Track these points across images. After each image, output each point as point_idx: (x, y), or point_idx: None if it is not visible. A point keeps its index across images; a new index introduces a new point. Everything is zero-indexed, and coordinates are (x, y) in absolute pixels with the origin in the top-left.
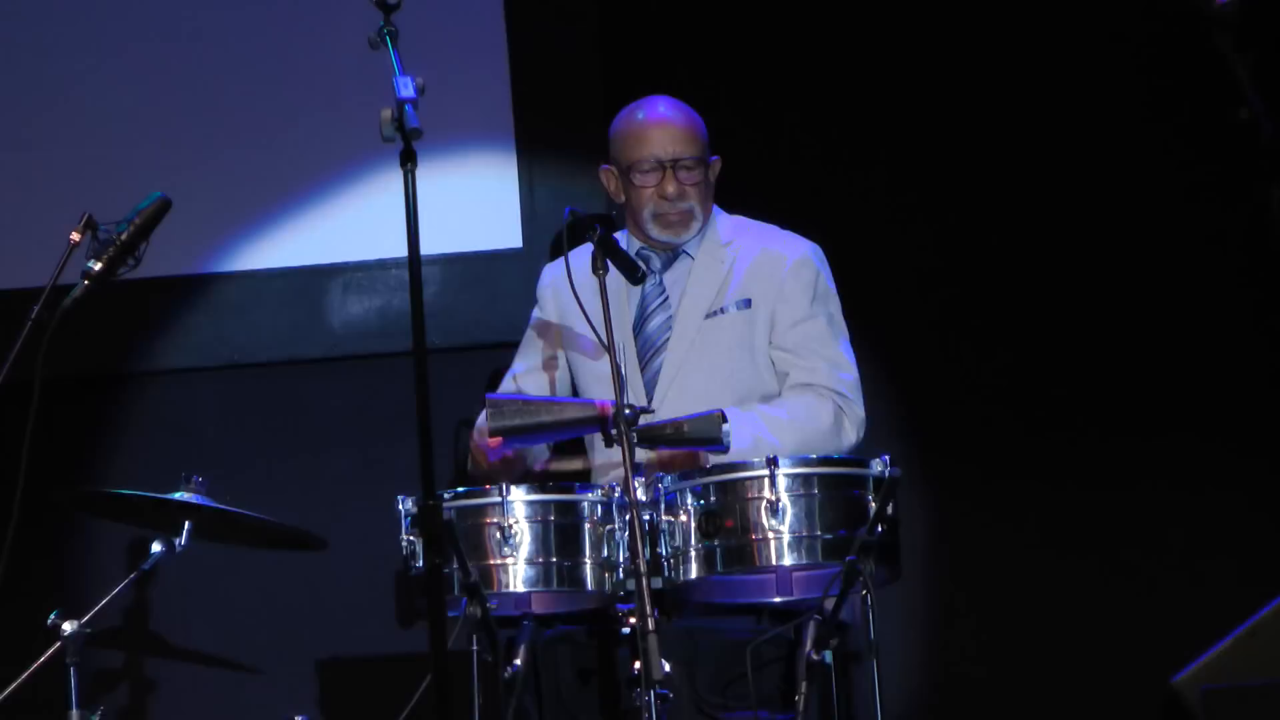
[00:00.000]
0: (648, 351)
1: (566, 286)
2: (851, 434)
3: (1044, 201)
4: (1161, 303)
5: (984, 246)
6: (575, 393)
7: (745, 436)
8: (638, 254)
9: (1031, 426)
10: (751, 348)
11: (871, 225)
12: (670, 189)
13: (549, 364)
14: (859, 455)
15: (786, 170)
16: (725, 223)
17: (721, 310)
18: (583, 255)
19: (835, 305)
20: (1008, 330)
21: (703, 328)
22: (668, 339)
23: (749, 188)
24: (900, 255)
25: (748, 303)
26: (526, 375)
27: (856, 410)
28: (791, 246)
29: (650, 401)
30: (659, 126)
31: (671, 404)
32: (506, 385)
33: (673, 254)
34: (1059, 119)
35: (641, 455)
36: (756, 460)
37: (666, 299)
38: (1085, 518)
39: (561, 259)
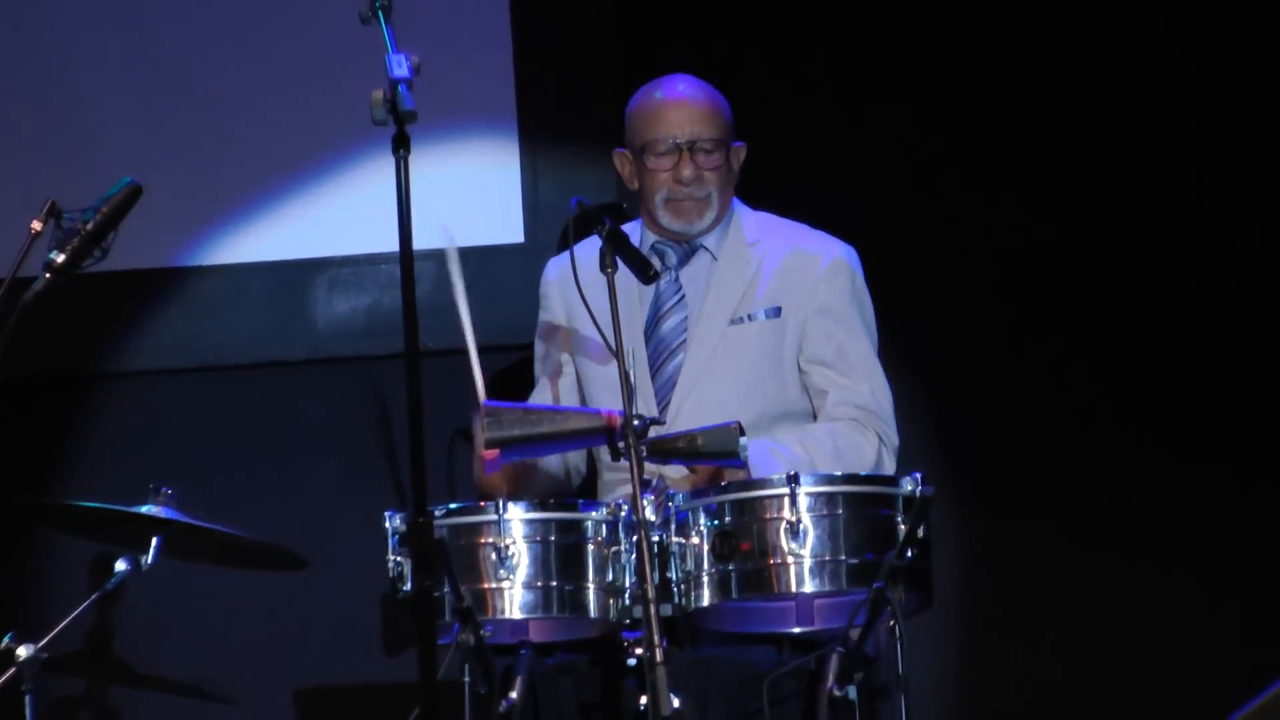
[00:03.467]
0: (660, 356)
1: (572, 284)
2: (890, 465)
3: (1087, 204)
4: (1206, 310)
5: (1022, 252)
6: (584, 402)
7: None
8: (652, 248)
9: (1074, 443)
10: (779, 360)
11: (904, 225)
12: (686, 172)
13: (555, 372)
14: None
15: (810, 161)
16: (750, 219)
17: (748, 317)
18: (590, 249)
19: (870, 314)
20: (1047, 341)
21: (726, 335)
22: (683, 342)
23: (770, 178)
24: (934, 260)
25: (777, 311)
26: (537, 395)
27: (894, 438)
28: (825, 249)
29: (662, 411)
30: (677, 105)
31: (689, 416)
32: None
33: (690, 248)
34: (1100, 120)
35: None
36: (775, 477)
37: (683, 298)
38: (1132, 543)
39: (566, 253)
